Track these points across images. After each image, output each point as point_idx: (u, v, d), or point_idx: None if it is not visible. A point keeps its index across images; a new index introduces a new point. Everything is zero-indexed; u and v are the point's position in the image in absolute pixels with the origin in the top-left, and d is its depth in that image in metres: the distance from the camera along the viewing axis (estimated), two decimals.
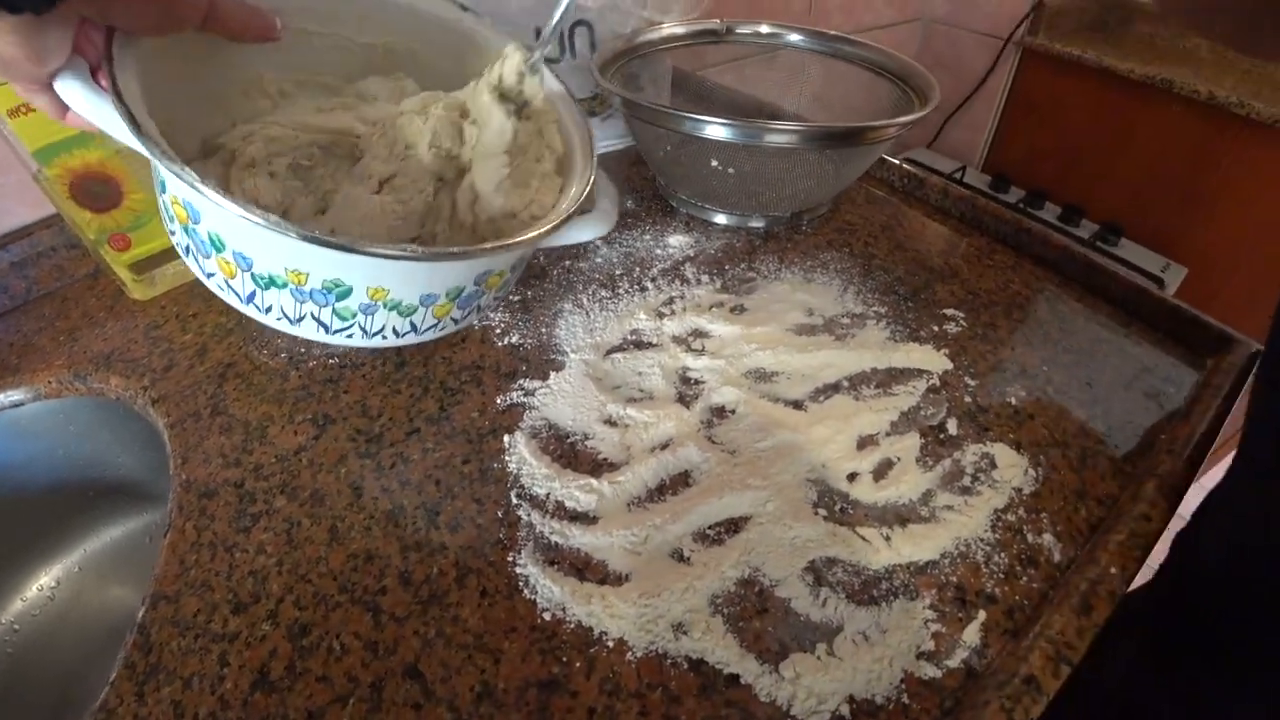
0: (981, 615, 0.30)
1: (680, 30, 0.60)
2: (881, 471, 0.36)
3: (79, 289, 0.48)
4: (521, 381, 0.40)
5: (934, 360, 0.42)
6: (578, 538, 0.32)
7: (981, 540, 0.32)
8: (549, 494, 0.34)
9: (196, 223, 0.31)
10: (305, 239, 0.27)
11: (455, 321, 0.38)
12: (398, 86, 0.42)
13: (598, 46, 0.57)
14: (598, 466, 0.36)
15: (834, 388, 0.40)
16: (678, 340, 0.43)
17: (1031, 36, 1.10)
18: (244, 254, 0.31)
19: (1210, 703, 0.31)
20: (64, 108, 0.29)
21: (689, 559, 0.32)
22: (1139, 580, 0.32)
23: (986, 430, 0.38)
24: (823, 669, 0.28)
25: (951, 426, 0.38)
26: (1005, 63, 1.16)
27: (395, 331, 0.35)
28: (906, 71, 0.55)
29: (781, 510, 0.33)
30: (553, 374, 0.41)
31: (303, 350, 0.42)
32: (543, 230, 0.34)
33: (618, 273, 0.49)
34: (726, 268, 0.50)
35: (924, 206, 0.59)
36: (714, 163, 0.48)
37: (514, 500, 0.34)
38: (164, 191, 0.32)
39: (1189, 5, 1.06)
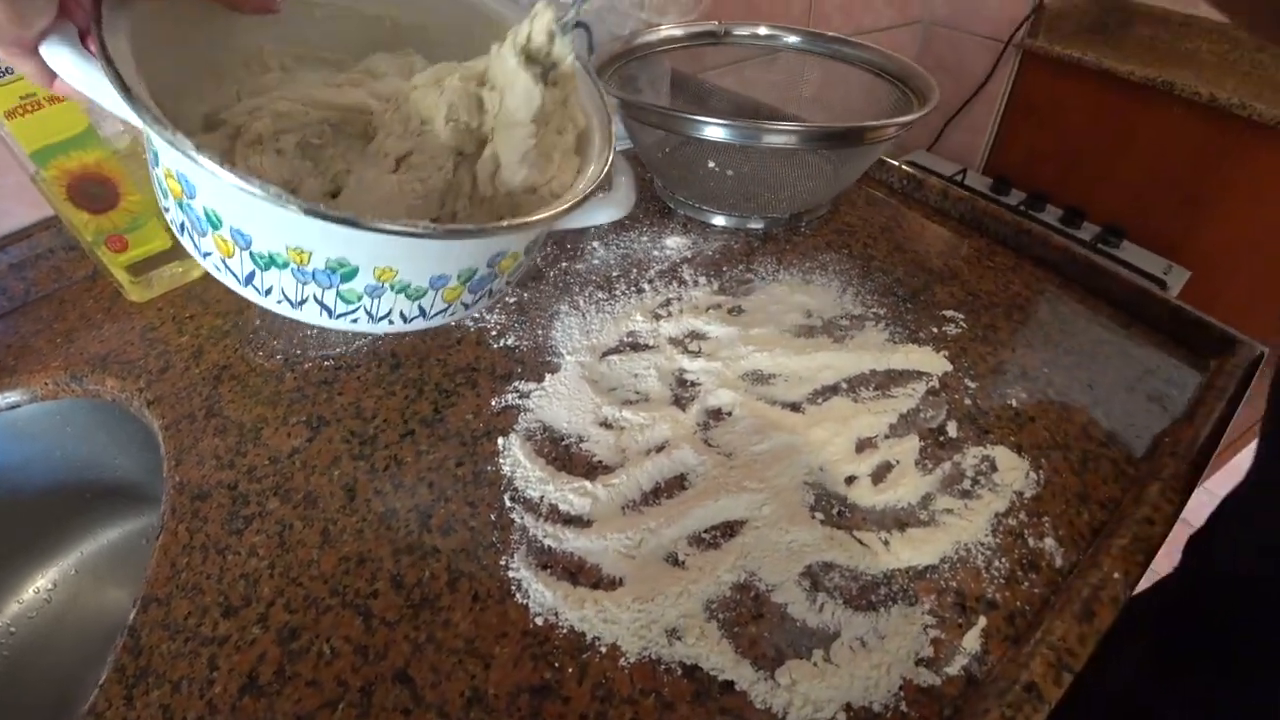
0: (982, 621, 0.29)
1: (678, 32, 0.60)
2: (880, 474, 0.35)
3: (77, 291, 0.48)
4: (517, 384, 0.40)
5: (934, 362, 0.42)
6: (571, 541, 0.32)
7: (982, 544, 0.32)
8: (543, 497, 0.34)
9: (192, 198, 0.29)
10: (308, 212, 0.25)
11: (465, 306, 0.35)
12: (406, 63, 0.40)
13: (595, 49, 0.57)
14: (592, 469, 0.35)
15: (832, 390, 0.40)
16: (674, 342, 0.43)
17: (1032, 39, 1.10)
18: (242, 230, 0.29)
19: (1221, 705, 0.31)
20: (50, 74, 0.27)
21: (684, 563, 0.31)
22: (1142, 585, 0.32)
23: (987, 433, 0.38)
24: (819, 676, 0.27)
25: (951, 429, 0.38)
26: (1006, 65, 1.16)
27: (403, 316, 0.33)
28: (906, 73, 0.54)
29: (778, 514, 0.33)
30: (548, 376, 0.40)
31: (298, 352, 0.42)
32: (563, 208, 0.32)
33: (614, 274, 0.49)
34: (724, 269, 0.50)
35: (923, 208, 0.58)
36: (712, 164, 0.48)
37: (508, 503, 0.34)
38: (156, 165, 0.30)
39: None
